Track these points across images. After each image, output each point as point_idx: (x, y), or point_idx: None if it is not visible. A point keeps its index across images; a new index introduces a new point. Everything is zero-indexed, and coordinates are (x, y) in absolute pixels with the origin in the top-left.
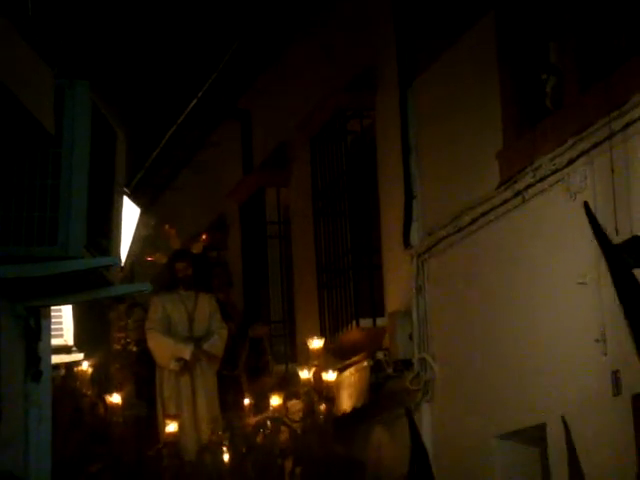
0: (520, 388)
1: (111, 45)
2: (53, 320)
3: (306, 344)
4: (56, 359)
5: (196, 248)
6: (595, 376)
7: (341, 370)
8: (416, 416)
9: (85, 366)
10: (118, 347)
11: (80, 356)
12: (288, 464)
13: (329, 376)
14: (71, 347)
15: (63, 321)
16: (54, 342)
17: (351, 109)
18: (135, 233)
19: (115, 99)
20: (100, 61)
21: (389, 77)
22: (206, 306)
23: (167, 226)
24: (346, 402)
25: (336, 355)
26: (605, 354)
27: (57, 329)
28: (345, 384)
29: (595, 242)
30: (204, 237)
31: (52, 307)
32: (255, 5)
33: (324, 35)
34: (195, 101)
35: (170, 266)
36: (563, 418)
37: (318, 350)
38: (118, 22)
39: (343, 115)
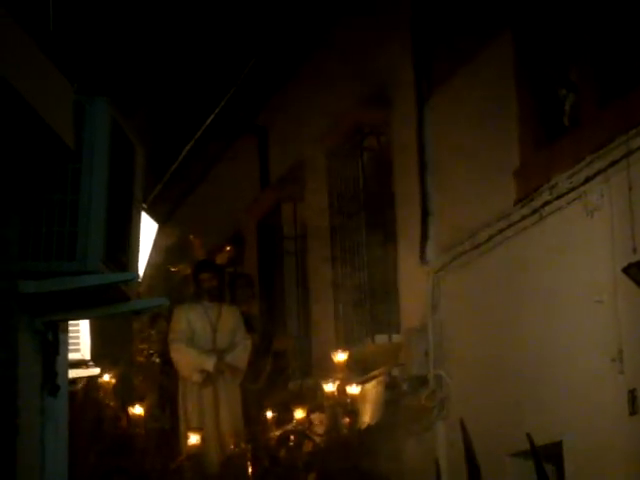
0: (536, 406)
1: (131, 60)
2: (70, 335)
3: (322, 359)
4: (73, 373)
5: (220, 259)
6: (612, 395)
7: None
8: (431, 433)
9: (108, 377)
10: (141, 359)
11: (97, 371)
12: (312, 478)
13: (353, 389)
14: (88, 361)
15: (80, 335)
16: (71, 356)
17: (368, 125)
18: (153, 247)
19: (134, 114)
20: (120, 76)
21: (406, 93)
22: (230, 318)
23: (192, 236)
24: (362, 418)
25: (352, 371)
26: (622, 373)
27: (74, 343)
28: (360, 400)
29: (613, 261)
30: (228, 248)
31: (70, 322)
32: (273, 22)
33: (341, 51)
34: (212, 117)
35: (195, 277)
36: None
37: (343, 363)
38: (138, 38)
39: (360, 132)
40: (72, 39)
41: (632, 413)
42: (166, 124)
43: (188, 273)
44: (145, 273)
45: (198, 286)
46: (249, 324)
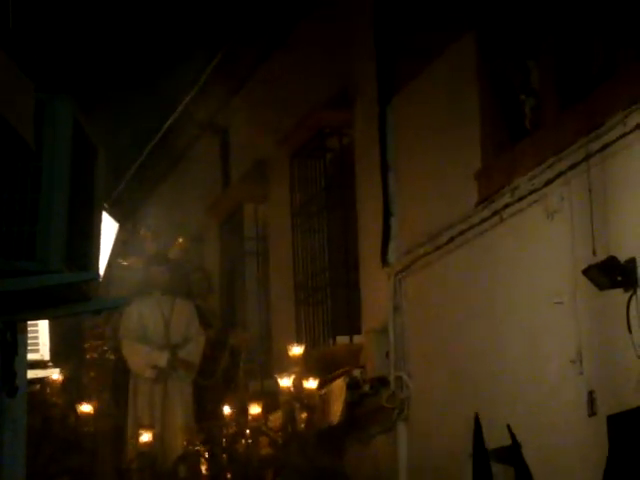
0: (496, 407)
1: (92, 59)
2: (29, 335)
3: (282, 359)
4: (31, 374)
5: (173, 253)
6: (571, 396)
7: (319, 387)
8: (391, 434)
9: (56, 375)
10: (94, 355)
11: (56, 371)
12: (269, 475)
13: (310, 384)
14: (47, 362)
15: (39, 336)
16: (30, 357)
17: (330, 126)
18: (114, 245)
19: (96, 113)
20: (81, 75)
21: (368, 94)
22: (183, 312)
23: (143, 230)
24: (324, 418)
25: (312, 372)
26: (581, 374)
27: (33, 344)
28: (322, 400)
29: (573, 263)
30: (181, 241)
31: (29, 322)
32: (234, 22)
33: (303, 52)
34: (174, 116)
35: (146, 271)
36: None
37: (298, 357)
38: (100, 37)
39: (322, 133)
40: (32, 36)
41: (591, 414)
42: (128, 123)
43: (139, 267)
44: (105, 270)
45: (149, 280)
46: (205, 318)
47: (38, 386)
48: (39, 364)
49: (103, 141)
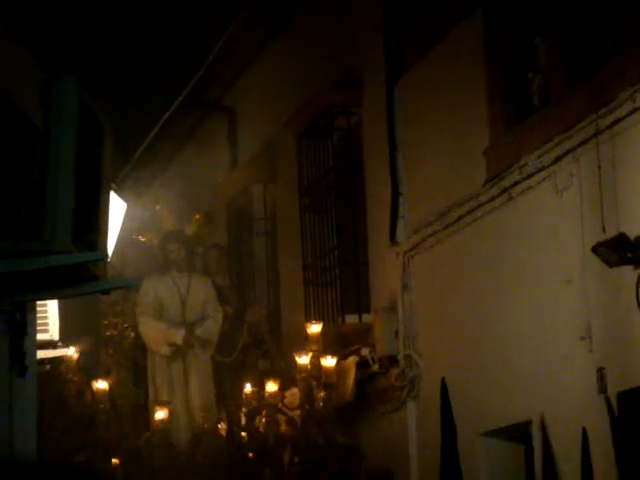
0: (505, 385)
1: (100, 40)
2: (39, 315)
3: (292, 339)
4: (41, 354)
5: (189, 229)
6: (581, 373)
7: None
8: (401, 413)
9: (71, 352)
10: (114, 332)
11: (66, 351)
12: (287, 453)
13: (328, 362)
14: (57, 342)
15: (49, 316)
16: (40, 337)
17: (338, 106)
18: (126, 223)
19: (103, 93)
20: (89, 56)
21: (376, 74)
22: (200, 289)
23: (158, 206)
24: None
25: (328, 350)
26: (591, 351)
27: (43, 324)
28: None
29: (582, 240)
30: (198, 217)
31: (38, 302)
32: (241, 2)
33: (310, 32)
34: (182, 97)
35: (162, 248)
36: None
37: (316, 335)
38: (107, 18)
39: (330, 112)
40: (39, 17)
41: (601, 391)
42: (135, 104)
43: (155, 243)
44: (116, 247)
45: (166, 257)
46: (222, 295)
47: (48, 366)
48: (49, 344)
49: (111, 121)
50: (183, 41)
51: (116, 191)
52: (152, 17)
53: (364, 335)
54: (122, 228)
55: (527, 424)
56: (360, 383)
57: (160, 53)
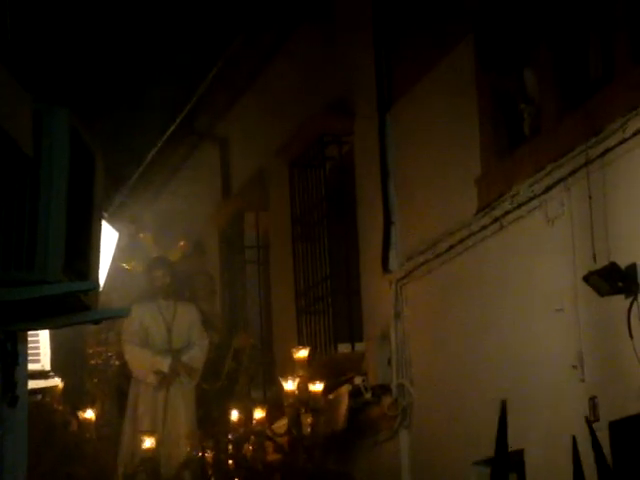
0: (498, 413)
1: (92, 71)
2: (30, 345)
3: (285, 367)
4: (32, 384)
5: (173, 255)
6: (573, 402)
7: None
8: (394, 442)
9: (57, 381)
10: (99, 361)
11: (57, 381)
12: None
13: (316, 387)
14: (48, 372)
15: (40, 346)
16: (31, 367)
17: (329, 135)
18: (114, 252)
19: (96, 122)
20: (82, 85)
21: (368, 102)
22: (186, 316)
23: (143, 233)
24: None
25: (317, 376)
26: (583, 380)
27: (34, 354)
28: (325, 407)
29: (573, 269)
30: (182, 244)
31: (29, 332)
32: (233, 30)
33: (301, 60)
34: (174, 126)
35: (147, 274)
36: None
37: (303, 360)
38: (99, 48)
39: (321, 141)
40: (31, 47)
41: (593, 420)
42: (129, 132)
43: (140, 271)
44: (106, 277)
45: (151, 284)
46: (208, 322)
47: (39, 396)
48: (40, 374)
49: (103, 151)
50: (175, 70)
51: (108, 220)
52: (144, 47)
53: (357, 363)
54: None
55: (520, 452)
56: (353, 412)
57: (153, 82)
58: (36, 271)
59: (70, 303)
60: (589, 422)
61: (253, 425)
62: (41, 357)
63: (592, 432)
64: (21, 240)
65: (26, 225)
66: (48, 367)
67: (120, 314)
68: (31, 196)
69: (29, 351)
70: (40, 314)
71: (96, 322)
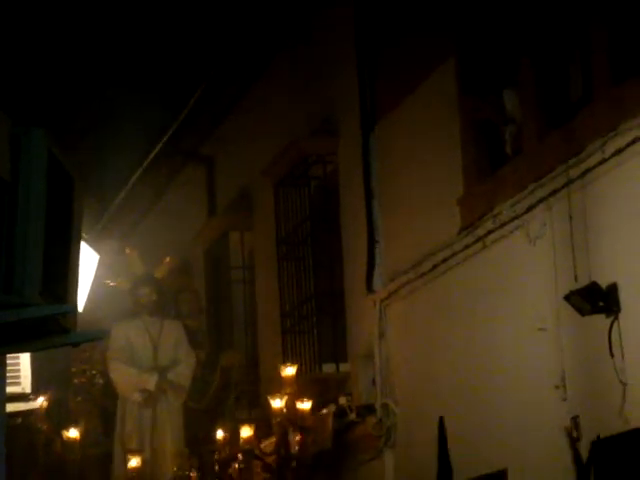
0: (481, 434)
1: (76, 91)
2: (10, 367)
3: (270, 387)
4: (12, 407)
5: (159, 272)
6: (555, 422)
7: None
8: (379, 462)
9: (40, 400)
10: (82, 380)
11: (38, 402)
12: None
13: (304, 405)
14: (28, 395)
15: (21, 368)
16: (11, 390)
17: (313, 155)
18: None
19: (80, 144)
20: (66, 107)
21: (351, 123)
22: (172, 333)
23: (128, 250)
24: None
25: (304, 395)
26: (565, 400)
27: (14, 377)
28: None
29: (555, 289)
30: (167, 260)
31: (9, 355)
32: (218, 52)
33: (286, 81)
34: (160, 146)
35: (133, 292)
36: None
37: (291, 377)
38: (83, 69)
39: (306, 161)
40: (9, 71)
41: (575, 440)
42: (114, 153)
43: (126, 288)
44: (88, 297)
45: (137, 302)
46: (195, 339)
47: (19, 419)
48: (20, 397)
49: (88, 171)
50: (160, 91)
51: (89, 242)
52: (128, 68)
53: (342, 383)
54: (95, 277)
55: (503, 473)
56: (338, 432)
57: (138, 102)
58: (14, 294)
59: (49, 326)
60: (572, 440)
61: (241, 444)
62: (21, 380)
63: (575, 451)
64: None
65: (3, 248)
66: (29, 390)
67: (98, 336)
68: (9, 219)
69: (9, 374)
70: (18, 337)
71: (75, 345)
